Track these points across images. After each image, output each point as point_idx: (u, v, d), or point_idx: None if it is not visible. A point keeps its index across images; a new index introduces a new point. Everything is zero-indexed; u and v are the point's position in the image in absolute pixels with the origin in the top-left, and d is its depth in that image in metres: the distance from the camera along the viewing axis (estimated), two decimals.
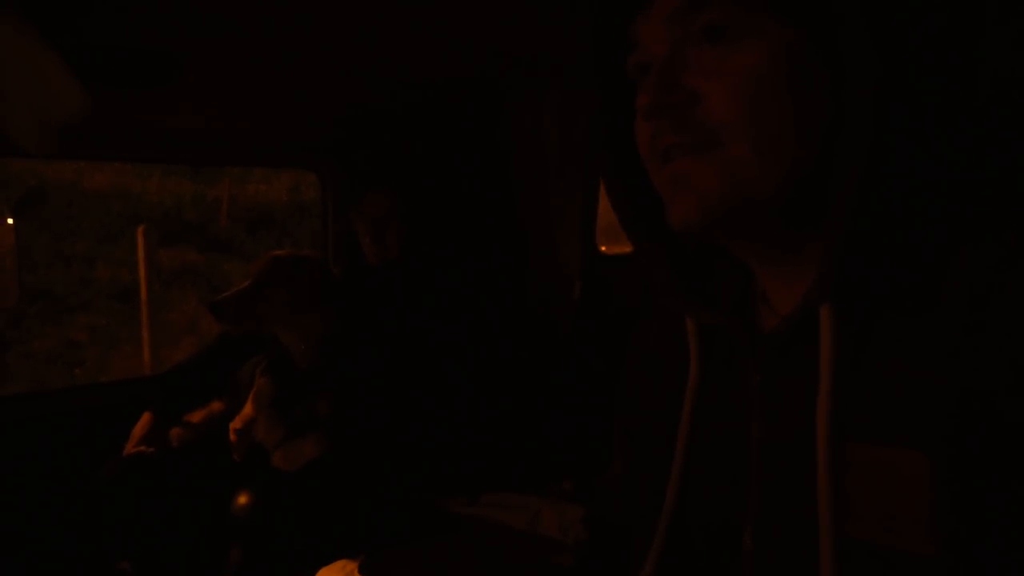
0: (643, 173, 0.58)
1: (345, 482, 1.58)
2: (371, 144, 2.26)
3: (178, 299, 6.43)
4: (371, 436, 1.63)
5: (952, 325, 0.46)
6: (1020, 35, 0.57)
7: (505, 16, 1.33)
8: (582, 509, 1.38)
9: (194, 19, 1.23)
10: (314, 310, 1.67)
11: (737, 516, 0.58)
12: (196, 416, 1.87)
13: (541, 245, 1.99)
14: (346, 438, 1.62)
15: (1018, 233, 0.47)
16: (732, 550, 0.58)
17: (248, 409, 1.72)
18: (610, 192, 0.64)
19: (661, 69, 0.52)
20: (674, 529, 0.62)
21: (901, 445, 0.46)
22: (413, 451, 1.65)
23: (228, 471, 1.69)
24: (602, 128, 0.63)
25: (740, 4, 0.50)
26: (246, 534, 1.51)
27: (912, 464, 0.45)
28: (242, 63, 1.50)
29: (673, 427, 0.63)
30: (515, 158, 2.06)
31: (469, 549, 1.36)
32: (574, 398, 1.77)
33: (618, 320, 1.75)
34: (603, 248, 1.85)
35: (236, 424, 1.72)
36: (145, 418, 1.84)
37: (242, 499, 1.54)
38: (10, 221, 1.99)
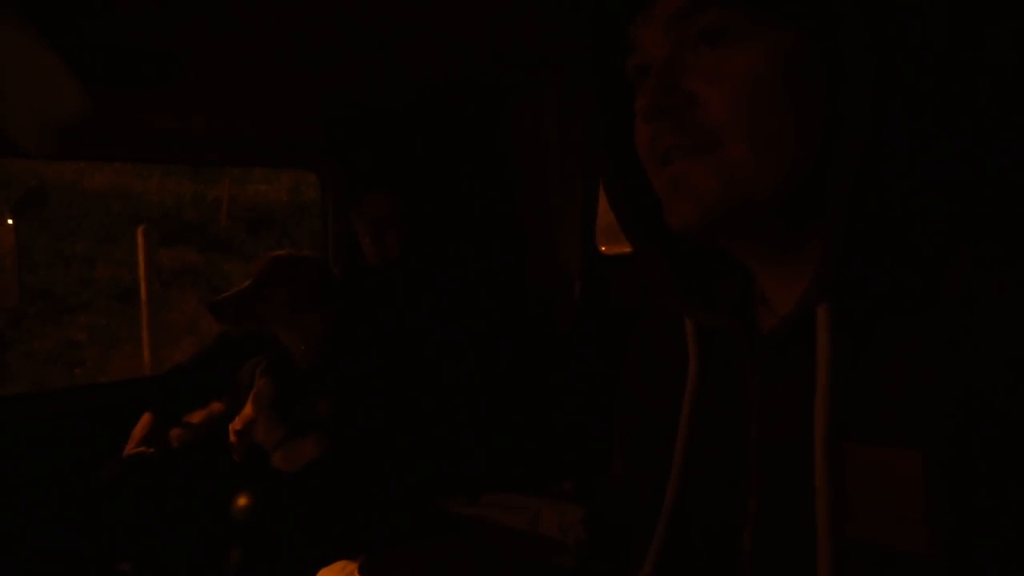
0: (642, 174, 0.59)
1: (345, 483, 1.58)
2: (371, 144, 2.26)
3: (178, 299, 6.43)
4: (371, 436, 1.63)
5: (949, 325, 0.46)
6: (1019, 35, 0.57)
7: (505, 17, 1.33)
8: (582, 509, 1.38)
9: (194, 19, 1.23)
10: (314, 310, 1.67)
11: (736, 516, 0.58)
12: (196, 417, 1.87)
13: (541, 245, 1.99)
14: (346, 439, 1.62)
15: (1015, 233, 0.47)
16: (731, 550, 0.58)
17: (248, 410, 1.72)
18: (609, 193, 0.64)
19: (660, 72, 0.53)
20: (673, 529, 0.62)
21: (899, 445, 0.46)
22: (413, 451, 1.65)
23: (228, 472, 1.69)
24: (601, 130, 0.63)
25: (738, 7, 0.50)
26: (246, 535, 1.51)
27: (909, 464, 0.45)
28: (242, 63, 1.50)
29: (673, 427, 0.63)
30: (515, 158, 2.06)
31: (469, 549, 1.36)
32: (574, 398, 1.77)
33: (618, 320, 1.75)
34: (603, 248, 1.85)
35: (236, 425, 1.72)
36: (145, 418, 1.85)
37: (242, 500, 1.54)
38: (10, 221, 1.99)
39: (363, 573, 1.27)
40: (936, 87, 0.50)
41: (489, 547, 1.36)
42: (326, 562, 1.32)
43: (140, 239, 5.21)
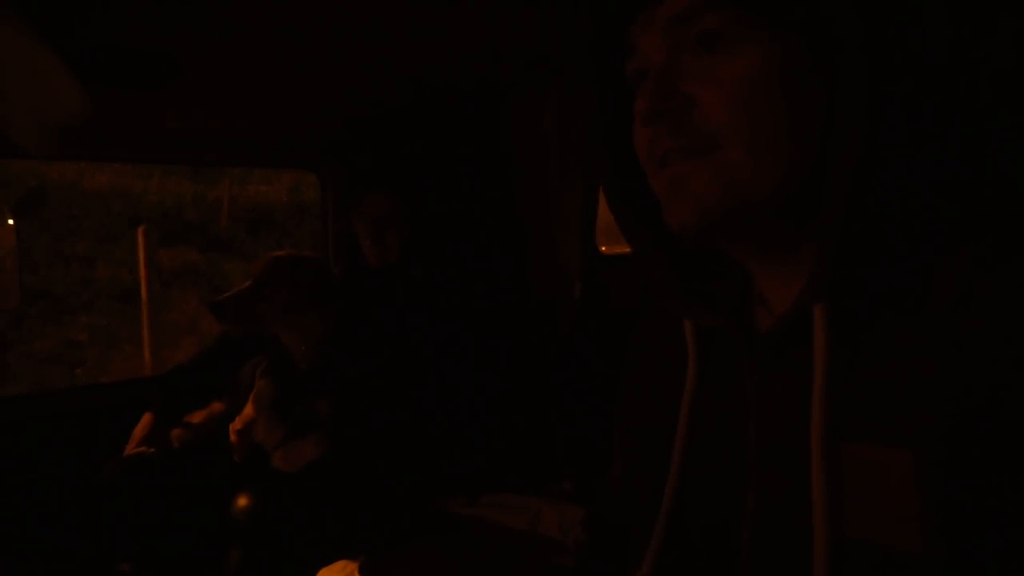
0: (641, 176, 0.59)
1: (345, 483, 1.58)
2: (371, 145, 2.26)
3: (178, 299, 6.43)
4: (371, 437, 1.64)
5: (943, 324, 0.46)
6: (1018, 36, 0.57)
7: (505, 17, 1.33)
8: (582, 510, 1.38)
9: (194, 20, 1.23)
10: (314, 311, 1.67)
11: (734, 515, 0.58)
12: (196, 417, 1.87)
13: (541, 245, 1.99)
14: (346, 439, 1.62)
15: (1008, 233, 0.47)
16: (729, 549, 0.58)
17: (248, 410, 1.72)
18: (608, 195, 0.64)
19: (658, 76, 0.53)
20: (672, 529, 0.62)
21: (893, 444, 0.47)
22: (413, 452, 1.65)
23: (228, 472, 1.69)
24: (600, 132, 0.64)
25: (735, 12, 0.51)
26: (246, 535, 1.51)
27: (903, 463, 0.46)
28: (242, 64, 1.50)
29: (672, 427, 0.64)
30: (515, 158, 2.06)
31: (469, 550, 1.36)
32: (574, 398, 1.77)
33: (618, 320, 1.75)
34: (603, 248, 1.85)
35: (236, 425, 1.72)
36: (146, 419, 1.85)
37: (242, 500, 1.54)
38: (11, 222, 2.00)
39: (363, 573, 1.27)
40: (932, 88, 0.51)
41: (489, 547, 1.36)
42: (326, 562, 1.32)
43: (140, 239, 5.22)
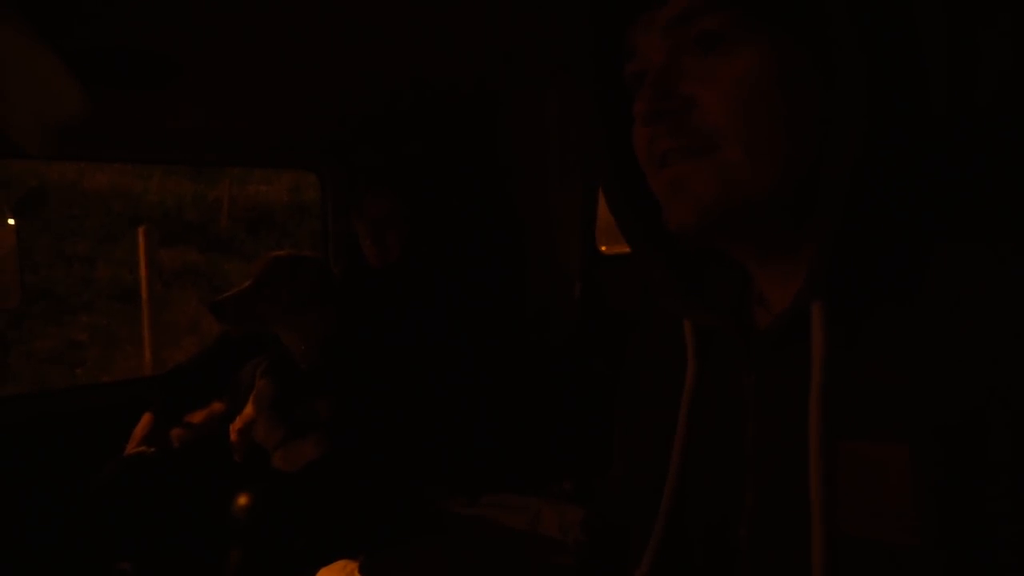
0: (640, 177, 0.59)
1: (345, 483, 1.59)
2: (371, 145, 2.26)
3: (179, 299, 6.43)
4: (371, 437, 1.64)
5: (938, 322, 0.47)
6: (1015, 35, 0.57)
7: (505, 17, 1.33)
8: (582, 510, 1.38)
9: (194, 20, 1.24)
10: (314, 311, 1.68)
11: (733, 512, 0.58)
12: (197, 417, 1.87)
13: (541, 245, 1.99)
14: (346, 439, 1.62)
15: (1004, 232, 0.48)
16: (728, 546, 0.59)
17: (249, 410, 1.72)
18: (608, 196, 0.65)
19: (657, 77, 0.54)
20: (671, 528, 0.62)
21: (890, 440, 0.47)
22: (413, 452, 1.65)
23: (228, 472, 1.69)
24: (600, 133, 0.64)
25: (733, 13, 0.51)
26: (246, 534, 1.51)
27: (901, 459, 0.46)
28: (242, 64, 1.51)
29: (671, 427, 0.64)
30: (515, 158, 2.06)
31: (469, 550, 1.36)
32: (574, 398, 1.78)
33: (618, 320, 1.75)
34: (603, 248, 1.85)
35: (237, 425, 1.72)
36: (146, 418, 1.85)
37: (242, 500, 1.54)
38: (11, 222, 2.00)
39: (363, 573, 1.27)
40: (929, 89, 0.51)
41: (489, 547, 1.36)
42: (326, 562, 1.32)
43: (141, 239, 5.22)
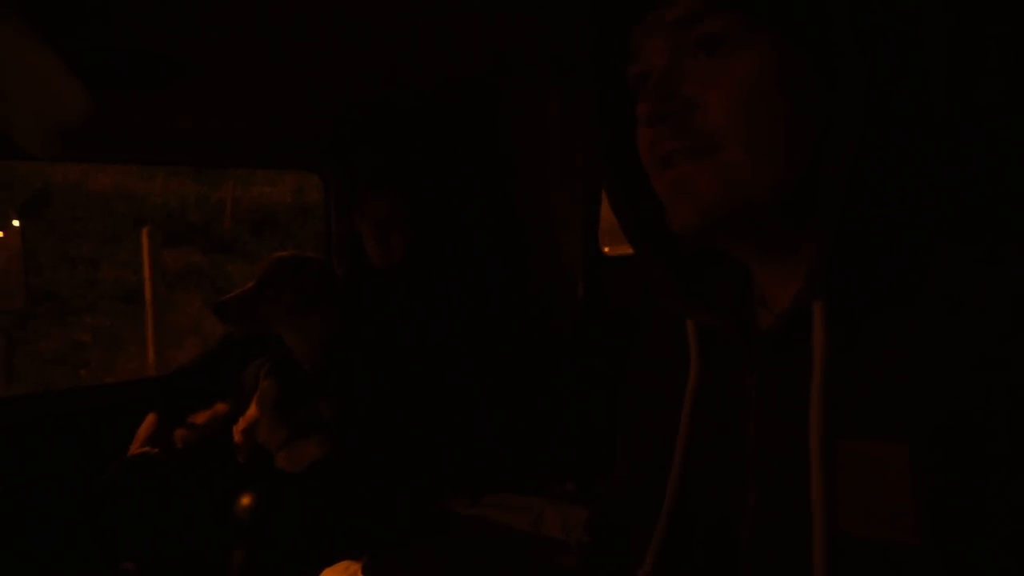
0: (643, 178, 0.60)
1: (348, 484, 1.59)
2: (374, 146, 2.26)
3: (182, 300, 6.44)
4: (374, 438, 1.64)
5: (937, 322, 0.47)
6: (1016, 37, 0.57)
7: (507, 16, 1.33)
8: (585, 510, 1.38)
9: (196, 21, 1.24)
10: (317, 312, 1.68)
11: (735, 512, 0.59)
12: (200, 417, 1.87)
13: (544, 246, 1.99)
14: (349, 440, 1.62)
15: (1003, 233, 0.48)
16: (730, 545, 0.59)
17: (252, 410, 1.72)
18: (611, 197, 0.66)
19: (660, 79, 0.54)
20: (673, 527, 0.63)
21: (890, 439, 0.48)
22: (416, 452, 1.65)
23: (232, 472, 1.69)
24: (603, 134, 0.65)
25: (735, 15, 0.52)
26: (249, 535, 1.51)
27: (900, 457, 0.47)
28: (244, 65, 1.51)
29: (673, 427, 0.64)
30: (518, 159, 2.06)
31: (472, 550, 1.36)
32: (577, 399, 1.77)
33: (621, 321, 1.75)
34: (606, 249, 1.85)
35: (240, 426, 1.73)
36: (149, 419, 1.85)
37: (245, 500, 1.54)
38: (16, 223, 2.00)
39: (366, 573, 1.27)
40: (929, 89, 0.51)
41: (492, 548, 1.36)
42: (329, 562, 1.32)
43: (144, 240, 5.22)
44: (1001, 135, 0.56)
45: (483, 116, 2.05)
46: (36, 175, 6.91)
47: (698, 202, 0.54)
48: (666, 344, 0.70)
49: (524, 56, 1.61)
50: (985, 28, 0.52)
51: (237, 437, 1.72)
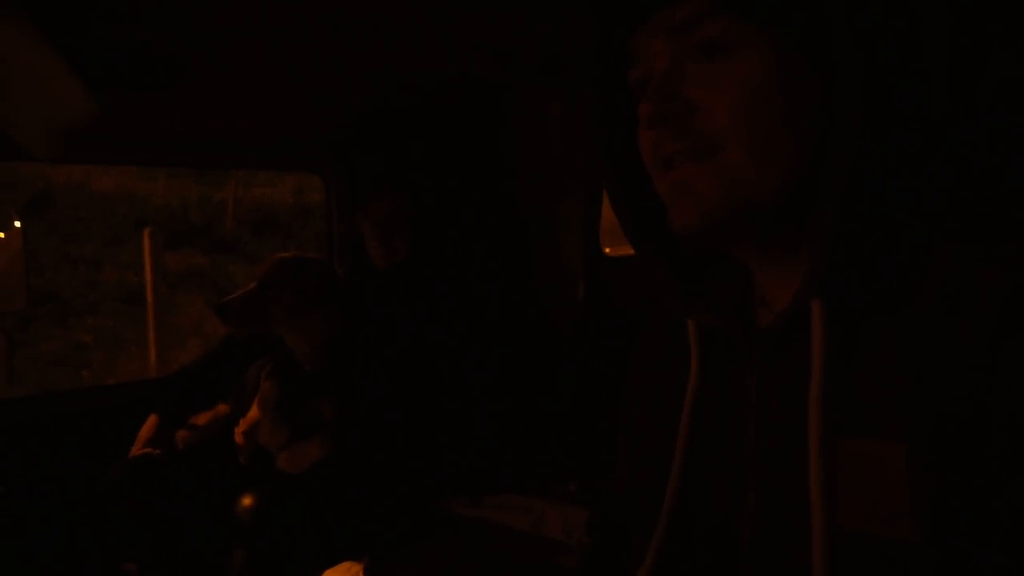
0: (644, 179, 0.60)
1: (350, 484, 1.59)
2: (375, 147, 2.26)
3: (184, 301, 6.45)
4: (375, 439, 1.64)
5: (935, 321, 0.48)
6: (1017, 39, 0.57)
7: (508, 17, 1.34)
8: (586, 511, 1.38)
9: (198, 23, 1.24)
10: (318, 312, 1.68)
11: (735, 511, 0.59)
12: (202, 419, 1.87)
13: (545, 246, 2.00)
14: (351, 440, 1.62)
15: (1001, 233, 0.49)
16: (730, 544, 0.59)
17: (253, 412, 1.73)
18: (612, 198, 0.66)
19: (661, 81, 0.55)
20: (673, 527, 0.63)
21: (889, 437, 0.48)
22: (417, 453, 1.65)
23: (233, 473, 1.69)
24: (604, 136, 0.65)
25: (735, 18, 0.52)
26: (250, 536, 1.51)
27: (899, 456, 0.47)
28: (246, 66, 1.51)
29: (674, 427, 0.64)
30: (519, 159, 2.06)
31: (473, 551, 1.36)
32: (578, 399, 1.78)
33: (621, 321, 1.75)
34: (607, 250, 1.85)
35: (241, 427, 1.73)
36: (151, 420, 1.85)
37: (247, 501, 1.54)
38: (17, 224, 2.00)
39: (368, 574, 1.27)
40: (929, 88, 0.52)
41: (493, 549, 1.36)
42: (331, 563, 1.33)
43: (146, 242, 5.22)
44: (1001, 135, 0.56)
45: (483, 116, 2.05)
46: (38, 176, 6.92)
47: (699, 203, 0.54)
48: (667, 344, 0.70)
49: (524, 56, 1.61)
50: (985, 28, 0.52)
51: (238, 438, 1.72)
